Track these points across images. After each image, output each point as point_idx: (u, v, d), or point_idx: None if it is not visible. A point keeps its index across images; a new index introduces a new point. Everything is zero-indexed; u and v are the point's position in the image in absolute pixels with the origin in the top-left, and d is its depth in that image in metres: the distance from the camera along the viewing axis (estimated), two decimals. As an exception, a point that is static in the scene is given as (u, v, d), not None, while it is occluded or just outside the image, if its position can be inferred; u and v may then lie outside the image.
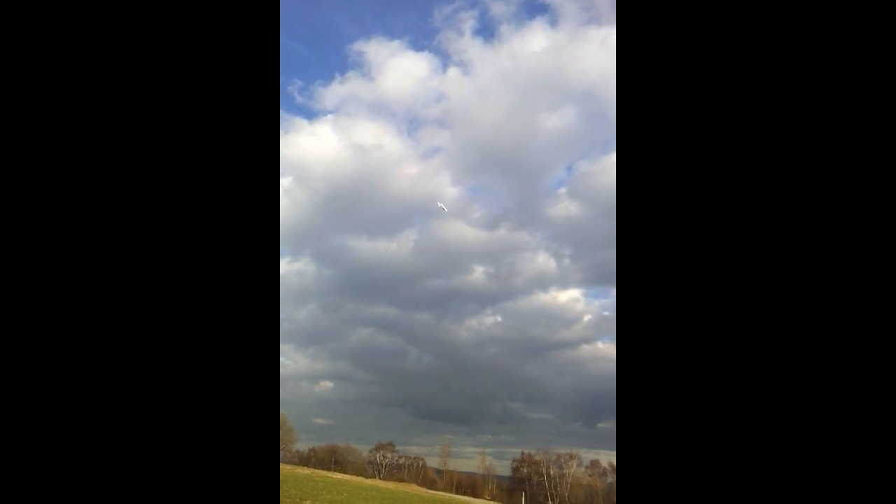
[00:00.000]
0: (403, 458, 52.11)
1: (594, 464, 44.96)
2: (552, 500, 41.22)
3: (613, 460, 46.87)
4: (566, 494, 42.06)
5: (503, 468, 49.72)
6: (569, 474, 43.68)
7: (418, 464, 51.79)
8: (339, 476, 26.10)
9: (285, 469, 20.62)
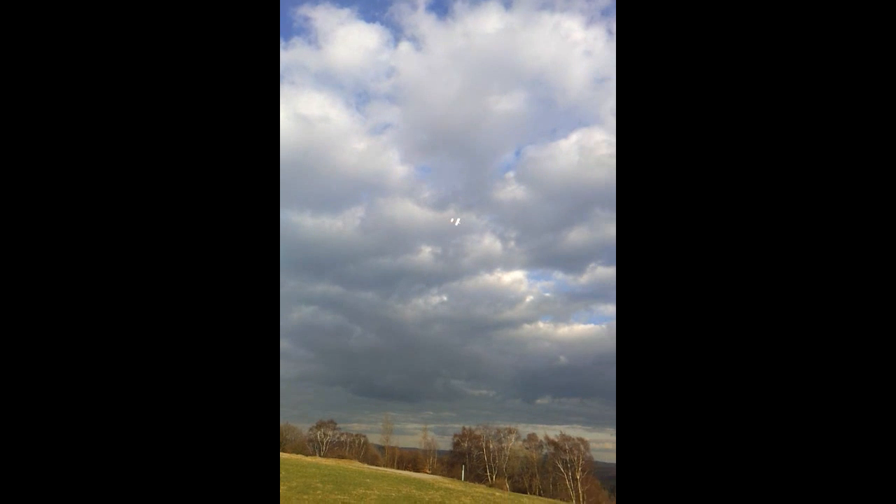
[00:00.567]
0: (345, 436, 52.15)
1: (531, 437, 47.14)
2: (490, 471, 42.87)
3: (549, 433, 49.28)
4: (504, 466, 43.86)
5: (445, 443, 50.99)
6: (507, 447, 45.52)
7: (360, 441, 52.02)
8: (278, 454, 25.56)
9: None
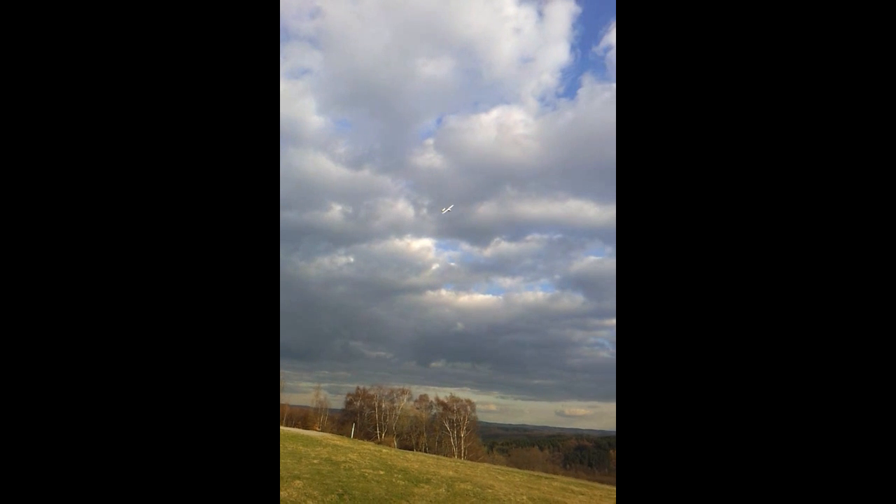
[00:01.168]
0: (233, 393, 50.06)
1: (422, 398, 49.30)
2: (380, 430, 44.22)
3: (440, 395, 51.78)
4: (394, 425, 45.46)
5: (338, 402, 51.32)
6: (399, 407, 47.10)
7: (249, 398, 50.33)
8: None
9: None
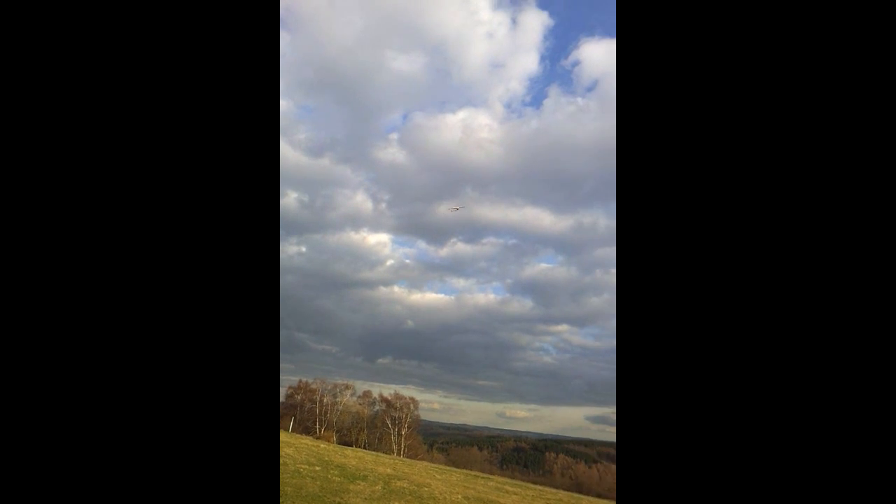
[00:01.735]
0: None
1: (366, 394, 48.82)
2: (320, 425, 43.37)
3: (385, 391, 51.45)
4: (334, 420, 44.74)
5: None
6: (341, 402, 46.40)
7: (183, 386, 47.97)
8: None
9: None
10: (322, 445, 19.98)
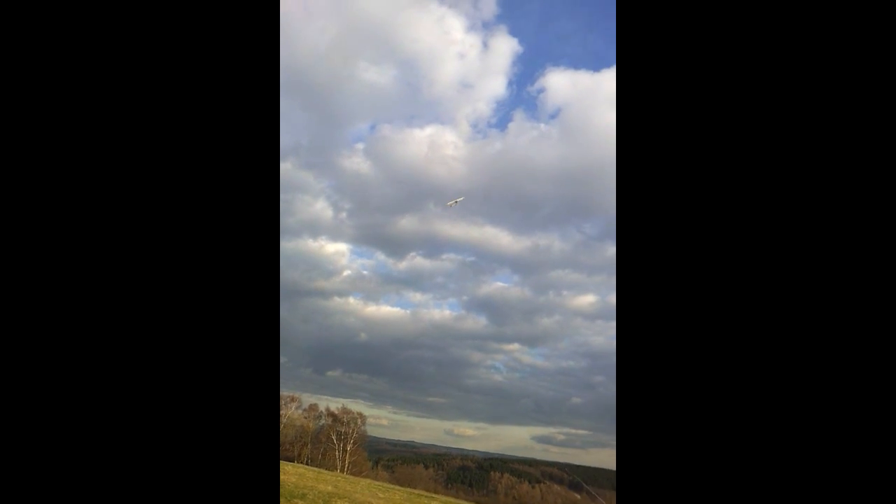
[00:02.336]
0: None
1: (312, 407, 47.40)
2: (261, 438, 41.53)
3: (332, 405, 50.09)
4: (277, 434, 42.97)
5: (217, 405, 47.51)
6: (285, 415, 44.72)
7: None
8: None
9: None
10: (261, 460, 19.11)
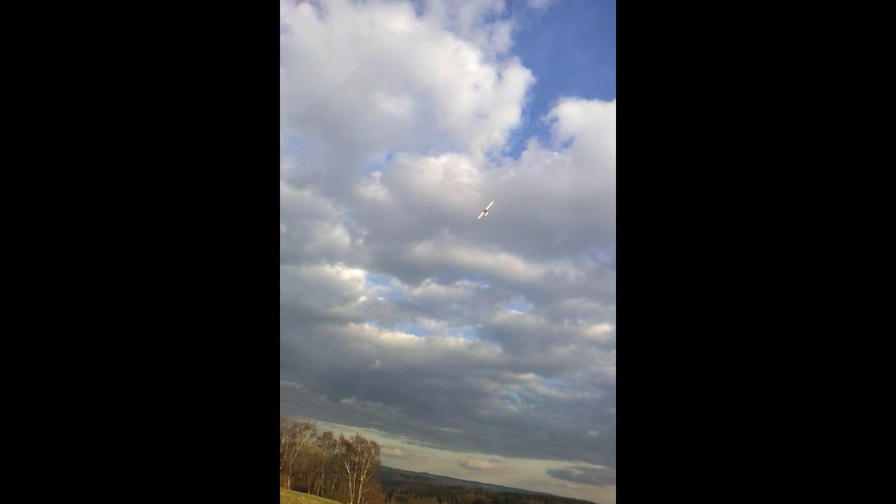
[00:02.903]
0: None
1: (326, 436, 47.06)
2: (275, 466, 41.26)
3: (346, 434, 49.77)
4: (290, 462, 42.80)
5: (233, 431, 47.44)
6: (300, 443, 44.55)
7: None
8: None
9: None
10: (277, 490, 19.14)
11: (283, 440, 43.78)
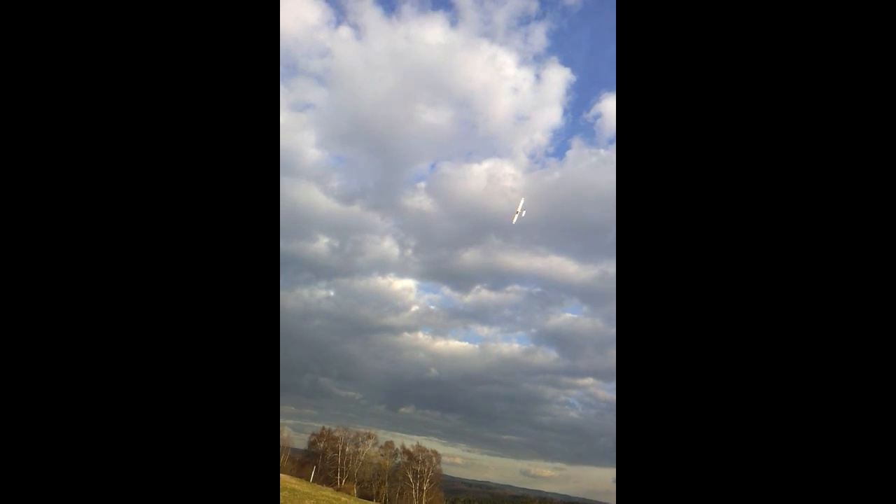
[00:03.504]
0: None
1: (388, 444, 47.75)
2: (341, 475, 42.53)
3: (407, 443, 50.39)
4: (356, 471, 43.82)
5: (301, 441, 49.37)
6: (363, 452, 45.53)
7: (207, 429, 48.21)
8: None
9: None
10: (343, 498, 19.77)
11: (346, 449, 44.97)
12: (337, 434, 46.25)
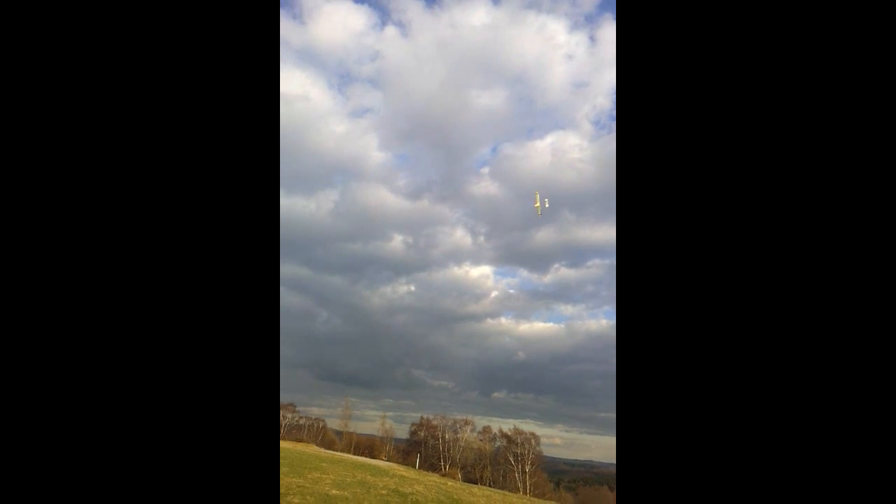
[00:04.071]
0: (304, 419, 52.22)
1: (486, 430, 48.45)
2: (444, 461, 43.95)
3: (503, 426, 50.78)
4: (457, 457, 45.05)
5: (402, 431, 51.70)
6: (462, 438, 46.64)
7: (319, 424, 52.28)
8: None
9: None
10: (449, 483, 20.36)
11: (446, 436, 46.38)
12: (435, 422, 47.81)
